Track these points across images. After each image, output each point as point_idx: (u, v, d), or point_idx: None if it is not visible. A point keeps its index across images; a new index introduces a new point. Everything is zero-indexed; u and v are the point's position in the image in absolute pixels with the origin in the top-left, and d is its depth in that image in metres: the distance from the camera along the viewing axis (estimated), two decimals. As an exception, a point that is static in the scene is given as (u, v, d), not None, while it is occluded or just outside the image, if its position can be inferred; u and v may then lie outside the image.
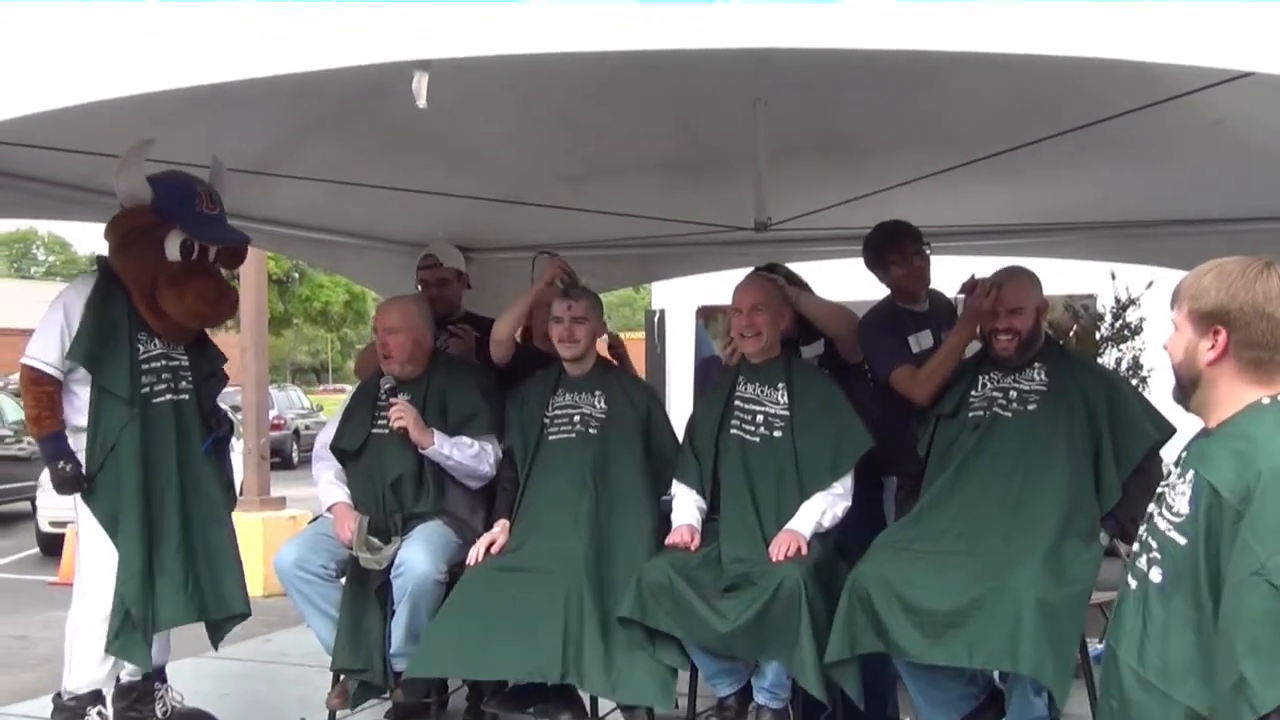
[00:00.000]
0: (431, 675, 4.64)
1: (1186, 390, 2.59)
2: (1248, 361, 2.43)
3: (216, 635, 4.73)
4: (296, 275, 25.88)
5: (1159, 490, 2.65)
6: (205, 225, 4.38)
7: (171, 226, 4.34)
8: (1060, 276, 6.31)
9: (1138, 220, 6.07)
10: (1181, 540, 2.46)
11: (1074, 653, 3.90)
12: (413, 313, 5.15)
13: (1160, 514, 2.58)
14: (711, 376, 4.98)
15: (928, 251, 5.03)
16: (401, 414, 4.83)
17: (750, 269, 5.13)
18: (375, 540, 4.72)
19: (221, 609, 4.60)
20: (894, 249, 4.98)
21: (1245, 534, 2.29)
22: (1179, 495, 2.50)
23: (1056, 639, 3.82)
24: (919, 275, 5.02)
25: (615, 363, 5.30)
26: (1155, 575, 2.55)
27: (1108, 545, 4.19)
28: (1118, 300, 8.11)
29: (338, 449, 5.09)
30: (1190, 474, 2.49)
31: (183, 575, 4.41)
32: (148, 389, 4.40)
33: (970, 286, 4.48)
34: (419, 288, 5.91)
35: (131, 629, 4.29)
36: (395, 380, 5.01)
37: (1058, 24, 2.56)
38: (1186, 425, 4.48)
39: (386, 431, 4.98)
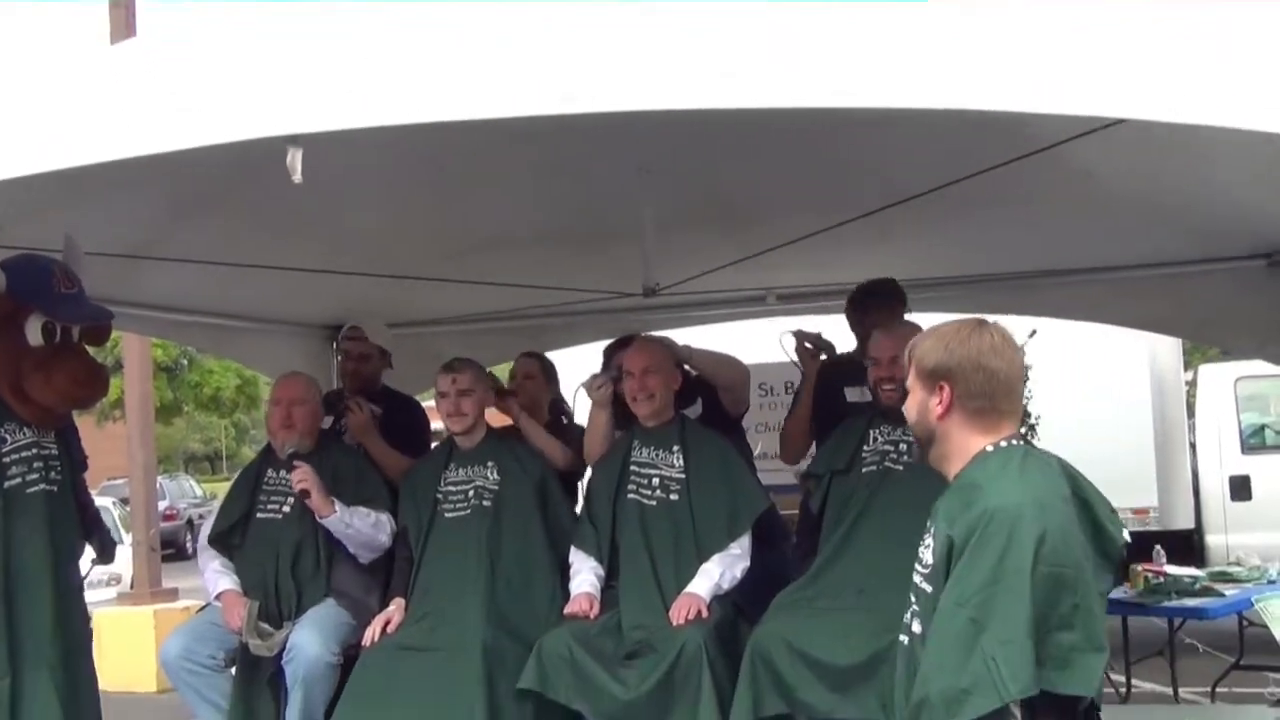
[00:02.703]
0: None
1: (925, 445, 2.81)
2: (972, 412, 2.64)
3: None
4: (185, 362, 25.41)
5: (920, 549, 2.79)
6: (64, 305, 4.20)
7: (30, 310, 4.17)
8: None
9: (1018, 272, 6.19)
10: (929, 589, 2.65)
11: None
12: (314, 387, 5.17)
13: (916, 569, 2.74)
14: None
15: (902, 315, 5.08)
16: (305, 477, 4.72)
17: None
18: (266, 626, 4.61)
19: (81, 716, 4.36)
20: (883, 303, 5.05)
21: (958, 569, 2.50)
22: (926, 549, 2.69)
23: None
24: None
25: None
26: (916, 627, 2.72)
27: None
28: (1003, 351, 8.23)
29: (217, 540, 4.97)
30: (932, 527, 2.68)
31: (51, 684, 4.11)
32: (19, 479, 4.20)
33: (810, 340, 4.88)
34: (342, 359, 5.87)
35: None
36: (294, 452, 4.90)
37: (933, 78, 2.60)
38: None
39: (276, 515, 4.89)
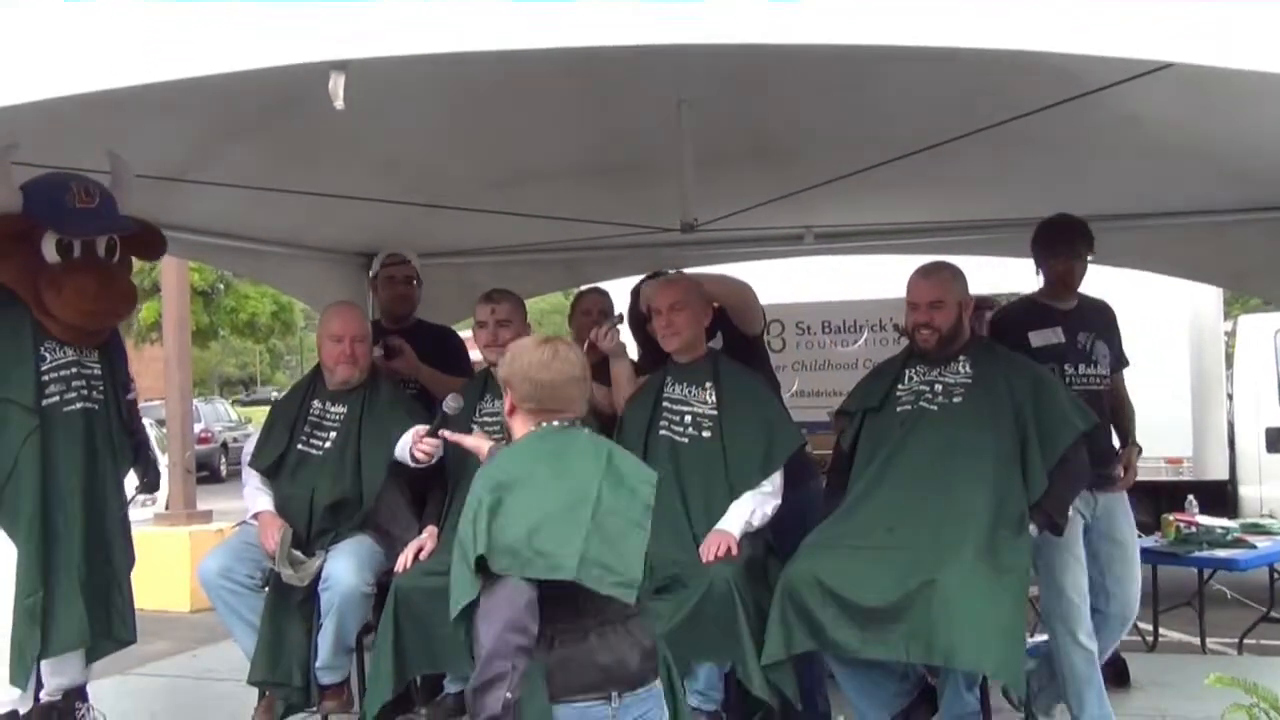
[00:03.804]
0: (386, 700, 4.49)
1: (507, 437, 3.40)
2: (527, 411, 3.21)
3: (92, 656, 4.51)
4: (222, 286, 25.55)
5: None
6: (75, 219, 4.19)
7: (45, 228, 4.19)
8: (986, 274, 6.37)
9: (1060, 216, 6.13)
10: None
11: (1021, 639, 3.91)
12: (367, 319, 5.15)
13: None
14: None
15: (1085, 256, 4.96)
16: (432, 454, 4.60)
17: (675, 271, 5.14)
18: (299, 554, 4.64)
19: (112, 634, 4.44)
20: (1058, 243, 4.90)
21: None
22: None
23: (999, 629, 3.84)
24: (1064, 275, 4.91)
25: None
26: None
27: (1035, 538, 4.21)
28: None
29: (257, 467, 4.97)
30: None
31: (80, 598, 4.22)
32: (57, 397, 4.25)
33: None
34: (384, 285, 5.88)
35: (19, 653, 4.12)
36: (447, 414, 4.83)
37: (979, 18, 2.58)
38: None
39: (317, 451, 4.89)
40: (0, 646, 4.16)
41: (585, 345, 5.01)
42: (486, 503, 2.95)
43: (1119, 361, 5.04)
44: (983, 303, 5.00)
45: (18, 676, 4.17)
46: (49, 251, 4.20)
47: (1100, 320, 4.99)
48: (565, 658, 2.94)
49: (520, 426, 3.23)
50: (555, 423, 3.19)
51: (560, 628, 2.94)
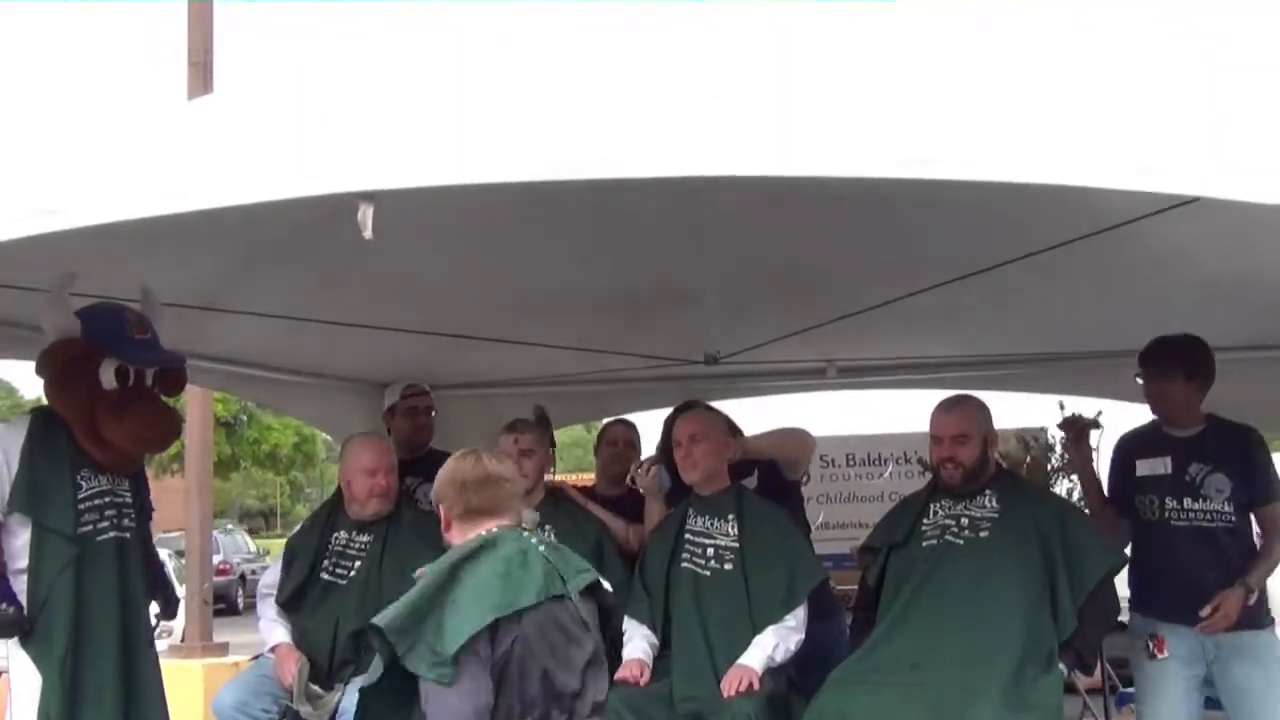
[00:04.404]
0: None
1: None
2: (458, 516, 3.29)
3: None
4: (245, 417, 25.66)
5: None
6: (136, 349, 4.27)
7: (104, 355, 4.23)
8: (1012, 409, 6.35)
9: (1084, 352, 6.11)
10: None
11: None
12: (393, 449, 5.17)
13: None
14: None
15: (1182, 380, 4.56)
16: None
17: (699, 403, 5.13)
18: (316, 688, 4.57)
19: None
20: (1141, 364, 4.65)
21: None
22: None
23: None
24: (1154, 399, 4.66)
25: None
26: None
27: (1065, 679, 4.13)
28: (1067, 431, 8.12)
29: (280, 602, 4.93)
30: None
31: None
32: (90, 526, 4.22)
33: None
34: (405, 416, 5.94)
35: None
36: (367, 518, 4.88)
37: (1004, 150, 2.59)
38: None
39: (341, 580, 4.85)
40: None
41: (627, 479, 5.03)
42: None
43: (1257, 495, 4.50)
44: (1088, 424, 4.87)
45: None
46: (108, 379, 4.24)
47: (1226, 451, 4.53)
48: None
49: (457, 538, 3.26)
50: (492, 528, 3.23)
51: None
